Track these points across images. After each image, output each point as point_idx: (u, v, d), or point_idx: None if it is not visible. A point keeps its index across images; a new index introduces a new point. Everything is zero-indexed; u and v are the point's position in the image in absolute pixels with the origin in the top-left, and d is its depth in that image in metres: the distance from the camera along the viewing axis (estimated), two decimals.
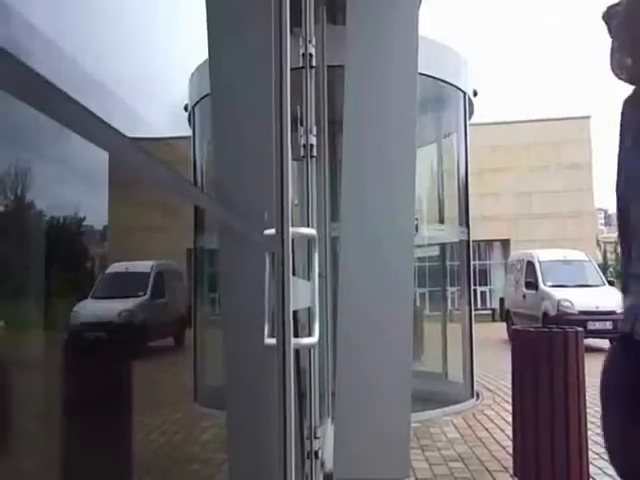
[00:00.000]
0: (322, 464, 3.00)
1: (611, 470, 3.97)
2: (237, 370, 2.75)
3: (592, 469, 3.55)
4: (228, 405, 2.91)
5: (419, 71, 3.42)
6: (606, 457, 4.12)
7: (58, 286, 1.71)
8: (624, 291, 2.25)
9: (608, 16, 2.10)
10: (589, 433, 3.42)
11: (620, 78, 2.16)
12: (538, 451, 3.01)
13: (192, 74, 6.03)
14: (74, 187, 2.00)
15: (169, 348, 5.01)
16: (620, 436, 2.07)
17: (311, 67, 2.92)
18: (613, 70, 2.17)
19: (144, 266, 3.69)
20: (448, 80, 6.46)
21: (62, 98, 0.58)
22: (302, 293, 1.97)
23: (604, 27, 2.13)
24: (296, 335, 1.85)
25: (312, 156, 2.94)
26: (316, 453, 2.78)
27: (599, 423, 4.48)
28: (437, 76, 6.04)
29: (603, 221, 47.75)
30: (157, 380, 3.42)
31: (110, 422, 1.59)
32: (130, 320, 2.88)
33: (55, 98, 0.57)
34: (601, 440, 4.36)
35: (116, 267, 2.67)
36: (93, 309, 2.67)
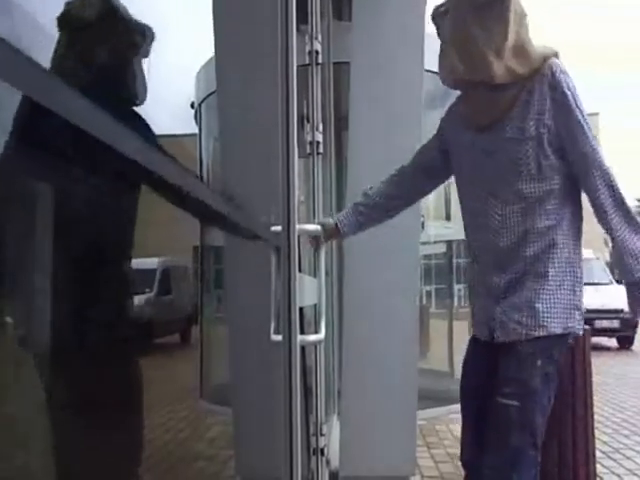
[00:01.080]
0: (328, 461, 3.00)
1: (619, 469, 3.99)
2: (243, 367, 2.75)
3: (599, 468, 3.54)
4: (234, 401, 2.91)
5: (425, 67, 3.41)
6: (614, 456, 4.14)
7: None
8: (470, 299, 2.19)
9: (435, 18, 2.04)
10: (596, 432, 3.40)
11: (446, 83, 2.07)
12: (544, 450, 2.99)
13: (198, 72, 6.03)
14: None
15: (175, 345, 5.02)
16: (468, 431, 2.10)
17: (317, 64, 2.91)
18: (441, 74, 2.06)
19: (151, 263, 3.69)
20: None
21: (68, 92, 0.58)
22: (308, 290, 1.97)
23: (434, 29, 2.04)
24: (302, 332, 1.85)
25: (318, 153, 2.94)
26: (322, 450, 2.78)
27: (607, 423, 4.50)
28: None
29: None
30: (164, 377, 3.43)
31: (115, 419, 1.59)
32: (136, 317, 2.88)
33: (61, 93, 0.56)
34: (609, 439, 4.40)
35: None
36: None
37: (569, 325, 1.87)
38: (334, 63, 4.21)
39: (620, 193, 1.84)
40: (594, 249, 15.30)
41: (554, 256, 1.88)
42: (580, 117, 1.84)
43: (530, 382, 1.86)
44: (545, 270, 1.87)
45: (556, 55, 1.89)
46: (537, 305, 1.86)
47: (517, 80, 1.87)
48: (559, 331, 1.86)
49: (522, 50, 1.87)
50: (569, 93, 1.84)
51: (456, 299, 8.14)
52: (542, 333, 1.86)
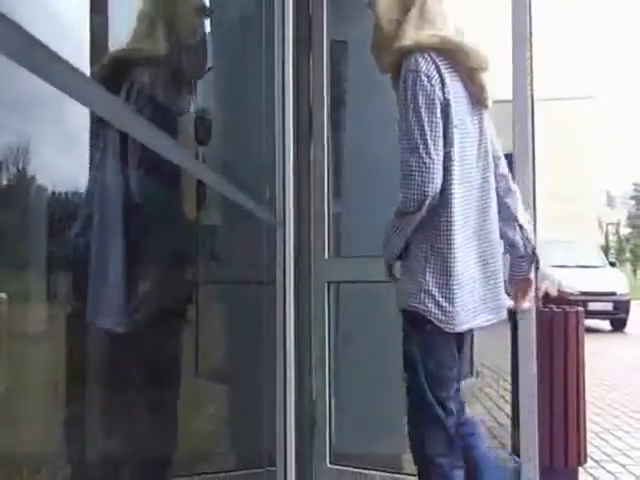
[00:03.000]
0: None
1: (609, 449, 4.03)
2: (239, 344, 2.75)
3: (590, 447, 3.59)
4: (229, 379, 2.93)
5: None
6: (604, 436, 4.18)
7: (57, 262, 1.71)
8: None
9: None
10: (588, 413, 3.44)
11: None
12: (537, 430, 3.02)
13: None
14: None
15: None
16: None
17: (314, 42, 2.89)
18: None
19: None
20: None
21: (71, 71, 0.58)
22: None
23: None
24: None
25: (313, 132, 2.92)
26: (313, 425, 2.81)
27: (598, 404, 4.54)
28: None
29: (605, 202, 47.58)
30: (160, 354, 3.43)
31: (111, 395, 1.60)
32: None
33: (65, 71, 0.56)
34: (600, 420, 4.44)
35: None
36: None
37: (411, 304, 1.99)
38: (332, 42, 4.18)
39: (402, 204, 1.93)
40: (587, 232, 15.32)
41: (413, 239, 1.98)
42: (403, 113, 1.91)
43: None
44: (408, 250, 2.00)
45: (420, 47, 1.91)
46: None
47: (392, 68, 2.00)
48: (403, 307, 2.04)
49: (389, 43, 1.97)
50: (402, 90, 1.91)
51: None
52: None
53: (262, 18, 2.37)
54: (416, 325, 2.00)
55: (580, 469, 3.40)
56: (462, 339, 2.11)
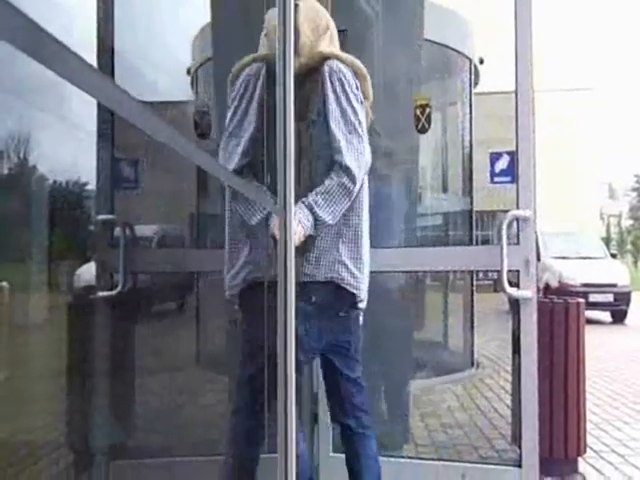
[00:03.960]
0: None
1: (608, 440, 4.04)
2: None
3: (590, 438, 3.60)
4: (232, 370, 2.93)
5: (424, 37, 3.37)
6: (603, 427, 4.20)
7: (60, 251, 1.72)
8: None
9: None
10: (587, 404, 3.45)
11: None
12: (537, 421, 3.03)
13: (194, 37, 5.95)
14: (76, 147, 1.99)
15: (172, 312, 5.04)
16: None
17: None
18: None
19: (148, 230, 3.69)
20: (453, 47, 6.35)
21: (71, 56, 0.57)
22: None
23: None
24: None
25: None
26: (316, 416, 2.82)
27: (598, 395, 4.56)
28: (442, 42, 5.94)
29: (607, 194, 47.56)
30: (160, 344, 3.45)
31: (114, 383, 1.61)
32: (133, 284, 2.88)
33: (63, 56, 0.56)
34: (600, 411, 4.46)
35: (119, 232, 2.67)
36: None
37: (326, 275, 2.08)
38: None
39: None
40: (589, 224, 15.29)
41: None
42: (334, 103, 2.10)
43: None
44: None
45: (338, 57, 2.18)
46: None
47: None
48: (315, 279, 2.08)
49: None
50: (329, 86, 2.11)
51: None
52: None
53: (262, 7, 2.36)
54: (327, 296, 2.08)
55: (580, 459, 3.42)
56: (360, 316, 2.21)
